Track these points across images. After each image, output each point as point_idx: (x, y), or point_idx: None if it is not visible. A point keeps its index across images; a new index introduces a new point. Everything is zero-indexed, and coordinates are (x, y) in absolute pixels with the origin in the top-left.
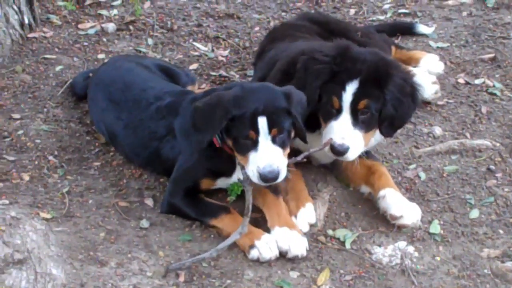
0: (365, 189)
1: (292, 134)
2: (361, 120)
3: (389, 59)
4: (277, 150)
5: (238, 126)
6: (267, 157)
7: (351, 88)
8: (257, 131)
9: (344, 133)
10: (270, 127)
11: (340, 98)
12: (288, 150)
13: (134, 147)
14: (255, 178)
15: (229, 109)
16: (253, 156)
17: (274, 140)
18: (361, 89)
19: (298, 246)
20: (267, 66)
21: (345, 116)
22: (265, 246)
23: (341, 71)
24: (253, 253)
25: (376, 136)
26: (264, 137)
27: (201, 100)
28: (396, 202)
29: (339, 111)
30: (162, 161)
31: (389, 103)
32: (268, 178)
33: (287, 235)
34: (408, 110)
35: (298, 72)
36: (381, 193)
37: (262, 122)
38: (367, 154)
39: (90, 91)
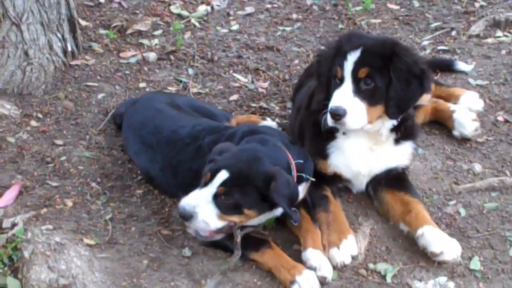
0: (403, 227)
1: (251, 212)
2: (363, 90)
3: (400, 42)
4: (209, 207)
5: (209, 164)
6: (191, 199)
7: (352, 57)
8: (212, 178)
9: (342, 97)
10: (221, 184)
11: (342, 67)
12: (231, 218)
13: (176, 187)
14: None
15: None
16: (194, 191)
17: (215, 197)
18: (362, 58)
19: (328, 268)
20: (303, 98)
21: (347, 84)
22: (307, 282)
23: (345, 45)
24: None
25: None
26: (210, 187)
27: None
28: (435, 239)
29: (341, 80)
30: None
31: (396, 81)
32: (181, 214)
33: (319, 257)
34: (415, 92)
35: (313, 67)
36: (419, 231)
37: (222, 175)
38: (406, 189)
39: (124, 131)
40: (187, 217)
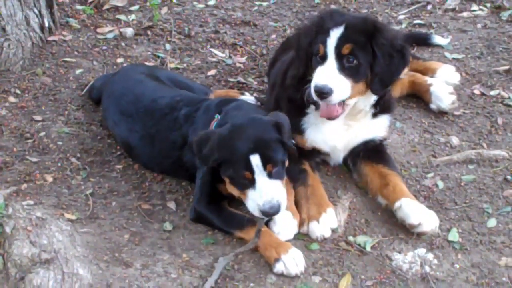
0: (381, 200)
1: (286, 162)
2: (347, 67)
3: (378, 19)
4: (275, 183)
5: (231, 167)
6: (265, 194)
7: (335, 33)
8: (251, 171)
9: (327, 75)
10: (264, 163)
11: (325, 44)
12: (285, 178)
13: (155, 157)
14: (256, 213)
15: (214, 153)
16: (251, 193)
17: (270, 175)
18: (346, 34)
19: (289, 230)
20: (278, 73)
21: (330, 61)
22: (292, 261)
23: (327, 22)
24: (278, 267)
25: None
26: (260, 174)
27: (198, 134)
28: (412, 211)
29: (324, 57)
30: (185, 168)
31: (381, 56)
32: (270, 214)
33: (285, 219)
34: (398, 66)
35: (292, 40)
36: (397, 204)
37: (255, 160)
38: (384, 161)
39: (103, 101)
40: (276, 212)
